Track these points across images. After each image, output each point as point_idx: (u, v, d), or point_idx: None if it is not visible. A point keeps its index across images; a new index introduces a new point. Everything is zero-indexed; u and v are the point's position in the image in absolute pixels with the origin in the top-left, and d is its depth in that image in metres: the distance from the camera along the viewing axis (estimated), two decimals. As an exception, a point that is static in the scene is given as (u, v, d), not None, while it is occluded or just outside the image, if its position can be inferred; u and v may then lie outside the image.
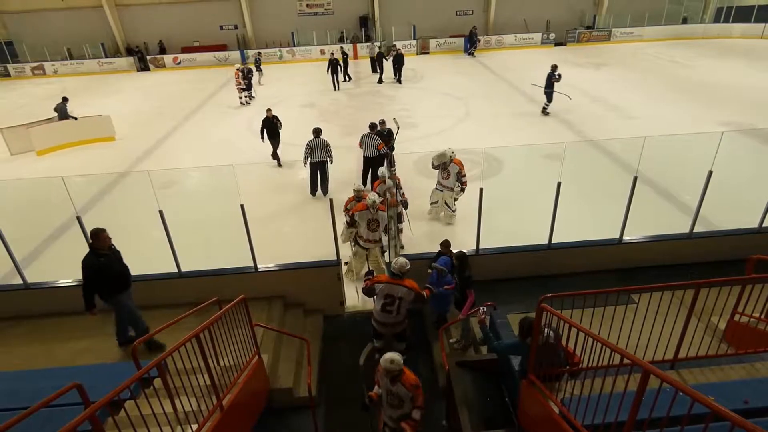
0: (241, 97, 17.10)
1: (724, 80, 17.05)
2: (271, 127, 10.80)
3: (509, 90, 17.83)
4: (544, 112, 14.17)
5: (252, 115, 15.89)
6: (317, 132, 9.14)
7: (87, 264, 4.67)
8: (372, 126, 9.26)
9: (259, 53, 22.35)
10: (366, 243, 6.52)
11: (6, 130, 13.13)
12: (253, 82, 17.52)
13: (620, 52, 24.50)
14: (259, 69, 20.67)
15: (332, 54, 19.20)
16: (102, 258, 4.67)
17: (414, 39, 27.03)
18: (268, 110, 10.88)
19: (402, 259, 4.90)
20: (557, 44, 27.44)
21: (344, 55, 20.37)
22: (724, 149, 5.81)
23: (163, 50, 27.33)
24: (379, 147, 9.06)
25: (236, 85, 16.84)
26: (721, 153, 5.79)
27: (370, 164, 9.26)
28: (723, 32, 27.12)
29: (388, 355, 3.65)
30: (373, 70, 21.16)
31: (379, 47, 21.56)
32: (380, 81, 20.08)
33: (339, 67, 18.93)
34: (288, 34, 27.43)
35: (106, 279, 4.75)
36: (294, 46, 27.17)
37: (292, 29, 27.44)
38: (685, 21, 28.28)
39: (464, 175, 7.59)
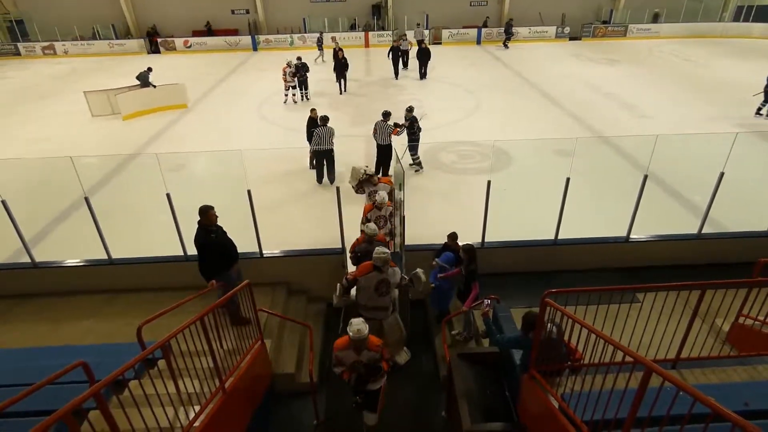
0: (286, 94, 15.44)
1: (740, 81, 16.71)
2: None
3: (521, 83, 17.61)
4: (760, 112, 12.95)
5: (261, 101, 15.87)
6: (325, 120, 9.11)
7: (200, 241, 4.77)
8: (385, 114, 9.28)
9: (321, 33, 21.88)
10: (370, 312, 4.77)
11: (90, 94, 14.39)
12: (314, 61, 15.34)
13: (636, 48, 24.07)
14: (320, 48, 20.16)
15: (339, 52, 16.07)
16: (213, 234, 4.80)
17: (426, 28, 26.72)
18: (312, 110, 9.77)
19: (358, 326, 3.74)
20: (572, 38, 27.02)
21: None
22: (737, 150, 5.73)
23: (210, 31, 27.29)
24: (394, 132, 9.18)
25: (284, 81, 15.25)
26: (734, 154, 5.71)
27: (382, 152, 9.40)
28: (742, 32, 26.56)
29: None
30: (404, 65, 19.51)
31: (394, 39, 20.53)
32: (396, 77, 18.80)
33: (346, 66, 16.30)
34: (299, 20, 27.20)
35: (217, 254, 4.85)
36: (305, 32, 26.99)
37: (304, 15, 27.21)
38: (655, 19, 27.40)
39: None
